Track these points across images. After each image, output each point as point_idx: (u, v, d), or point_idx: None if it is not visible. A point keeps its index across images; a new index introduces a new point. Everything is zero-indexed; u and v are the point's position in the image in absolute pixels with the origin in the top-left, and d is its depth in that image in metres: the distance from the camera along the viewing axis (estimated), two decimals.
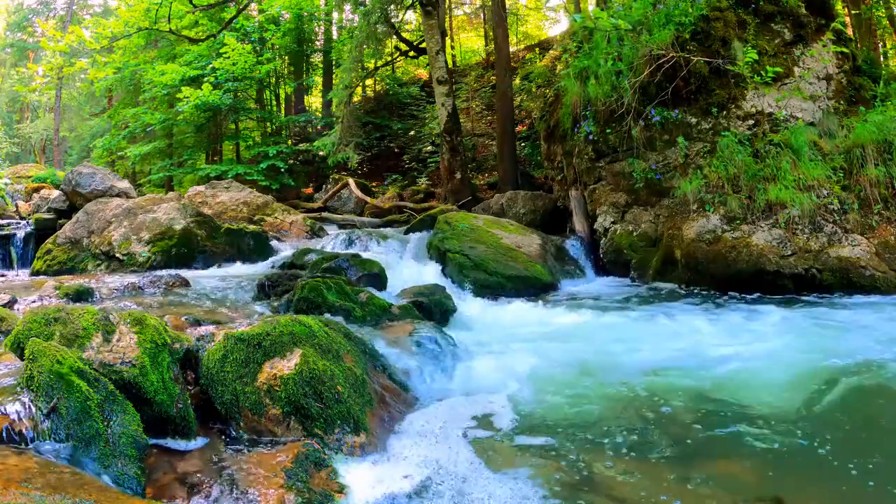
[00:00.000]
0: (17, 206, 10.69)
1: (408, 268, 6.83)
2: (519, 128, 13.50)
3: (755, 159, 6.40)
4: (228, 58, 14.09)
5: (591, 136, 7.71)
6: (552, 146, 9.35)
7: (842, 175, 6.20)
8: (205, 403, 2.70)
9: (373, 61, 16.70)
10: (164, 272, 5.96)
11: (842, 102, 6.91)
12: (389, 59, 17.64)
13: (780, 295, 5.79)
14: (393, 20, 15.08)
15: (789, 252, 5.90)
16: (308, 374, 2.65)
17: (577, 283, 7.21)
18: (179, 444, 2.45)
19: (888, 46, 11.98)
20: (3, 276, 7.09)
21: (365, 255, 6.68)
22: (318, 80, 19.98)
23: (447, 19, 18.14)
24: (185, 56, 15.43)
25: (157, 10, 11.93)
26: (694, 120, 6.94)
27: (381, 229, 9.92)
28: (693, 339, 4.31)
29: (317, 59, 19.75)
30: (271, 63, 15.60)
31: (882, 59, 10.82)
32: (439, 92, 11.56)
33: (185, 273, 6.01)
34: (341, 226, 11.42)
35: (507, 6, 15.51)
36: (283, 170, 14.60)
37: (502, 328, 4.84)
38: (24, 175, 13.40)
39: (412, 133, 16.67)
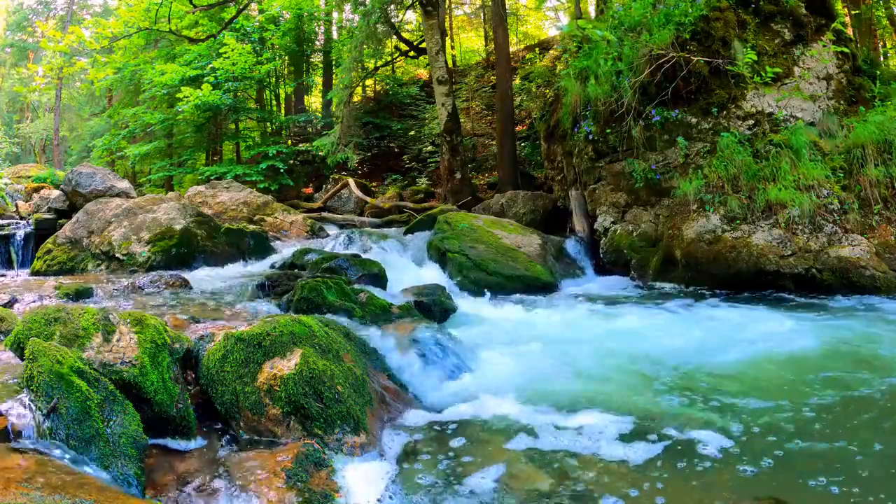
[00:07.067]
0: (17, 206, 10.67)
1: (408, 268, 6.82)
2: (519, 128, 13.50)
3: (755, 159, 6.40)
4: (228, 58, 14.09)
5: (591, 136, 7.71)
6: (552, 146, 9.35)
7: (842, 175, 6.20)
8: (205, 403, 2.70)
9: (373, 61, 16.69)
10: (164, 272, 5.96)
11: (842, 102, 6.91)
12: (389, 59, 17.64)
13: (781, 295, 5.79)
14: (393, 20, 15.09)
15: (789, 252, 5.90)
16: (308, 374, 2.65)
17: (577, 282, 7.20)
18: (179, 444, 2.45)
19: (888, 46, 11.98)
20: (3, 276, 7.09)
21: (365, 255, 6.68)
22: (318, 80, 19.98)
23: (447, 19, 18.14)
24: (185, 56, 15.42)
25: (157, 10, 11.93)
26: (694, 120, 6.94)
27: (381, 229, 9.92)
28: (692, 338, 4.31)
29: (317, 59, 19.74)
30: (271, 63, 15.60)
31: (882, 59, 10.82)
32: (439, 92, 11.56)
33: (185, 273, 6.02)
34: (341, 226, 11.42)
35: (507, 6, 15.51)
36: (282, 170, 14.61)
37: (502, 328, 4.84)
38: (24, 175, 13.38)
39: (412, 133, 16.66)
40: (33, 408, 2.08)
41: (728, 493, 2.22)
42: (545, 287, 6.59)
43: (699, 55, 6.75)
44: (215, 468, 2.27)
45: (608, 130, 7.48)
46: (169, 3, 11.64)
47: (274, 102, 19.11)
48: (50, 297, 4.64)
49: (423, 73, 19.46)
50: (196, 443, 2.49)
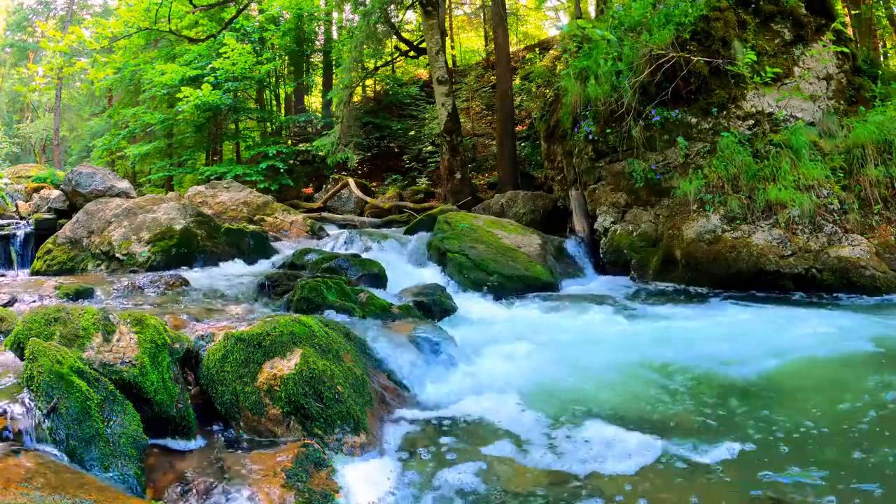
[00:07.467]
0: (17, 206, 10.66)
1: (408, 268, 6.82)
2: (519, 128, 13.50)
3: (755, 159, 6.40)
4: (228, 58, 14.09)
5: (591, 136, 7.71)
6: (552, 146, 9.35)
7: (842, 175, 6.20)
8: (205, 403, 2.70)
9: (373, 61, 16.69)
10: (164, 272, 5.95)
11: (842, 102, 6.91)
12: (389, 59, 17.64)
13: (781, 295, 5.79)
14: (393, 20, 15.09)
15: (789, 252, 5.90)
16: (308, 374, 2.65)
17: (577, 282, 7.20)
18: (179, 444, 2.45)
19: (888, 46, 11.98)
20: (3, 276, 7.09)
21: (365, 255, 6.68)
22: (318, 80, 19.98)
23: (447, 19, 18.14)
24: (184, 56, 15.42)
25: (157, 10, 11.92)
26: (694, 120, 6.93)
27: (381, 229, 9.92)
28: (692, 338, 4.31)
29: (317, 59, 19.74)
30: (271, 63, 15.60)
31: (882, 59, 10.82)
32: (439, 92, 11.56)
33: (186, 273, 6.01)
34: (341, 226, 11.41)
35: (507, 6, 15.51)
36: (282, 170, 14.61)
37: (502, 328, 4.84)
38: (24, 175, 13.37)
39: (412, 133, 16.66)
40: (33, 408, 2.08)
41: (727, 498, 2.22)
42: (545, 287, 6.58)
43: (699, 55, 6.75)
44: (215, 468, 2.27)
45: (608, 130, 7.48)
46: (169, 3, 11.64)
47: (274, 102, 19.11)
48: (50, 297, 4.63)
49: (423, 73, 19.45)
50: (196, 443, 2.49)
